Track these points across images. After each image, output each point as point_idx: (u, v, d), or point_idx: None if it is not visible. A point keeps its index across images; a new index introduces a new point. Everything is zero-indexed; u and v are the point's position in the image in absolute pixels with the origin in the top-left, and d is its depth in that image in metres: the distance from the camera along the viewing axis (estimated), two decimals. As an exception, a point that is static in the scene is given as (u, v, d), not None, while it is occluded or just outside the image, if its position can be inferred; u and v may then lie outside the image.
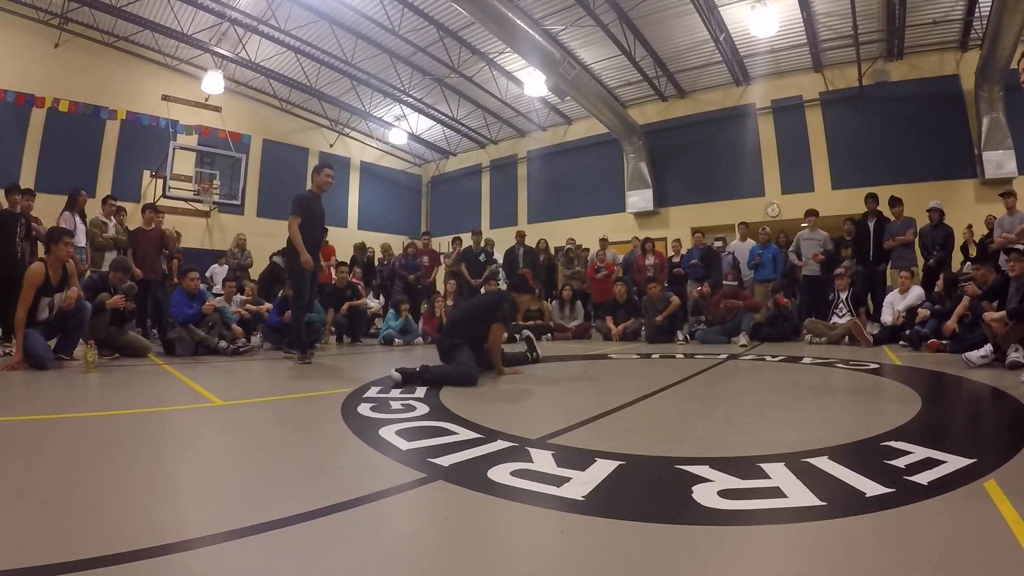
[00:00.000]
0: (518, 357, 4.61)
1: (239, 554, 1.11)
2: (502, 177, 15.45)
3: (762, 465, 1.67)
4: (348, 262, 8.39)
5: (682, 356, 5.42)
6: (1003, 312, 4.05)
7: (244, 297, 6.81)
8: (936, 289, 6.21)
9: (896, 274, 6.92)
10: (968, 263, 7.06)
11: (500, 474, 1.61)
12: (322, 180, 4.96)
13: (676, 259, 9.10)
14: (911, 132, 9.90)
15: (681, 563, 1.09)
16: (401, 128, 14.62)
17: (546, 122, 14.19)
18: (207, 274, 8.69)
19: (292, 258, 4.81)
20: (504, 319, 3.97)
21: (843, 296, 6.83)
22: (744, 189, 11.48)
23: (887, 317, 6.46)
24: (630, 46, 10.16)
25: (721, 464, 1.67)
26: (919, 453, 1.78)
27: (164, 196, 10.94)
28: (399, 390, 3.17)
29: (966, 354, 4.17)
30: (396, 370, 3.35)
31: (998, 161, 8.88)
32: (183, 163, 11.55)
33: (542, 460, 1.75)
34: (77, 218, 6.18)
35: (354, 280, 7.80)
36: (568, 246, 9.87)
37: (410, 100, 12.99)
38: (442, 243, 12.11)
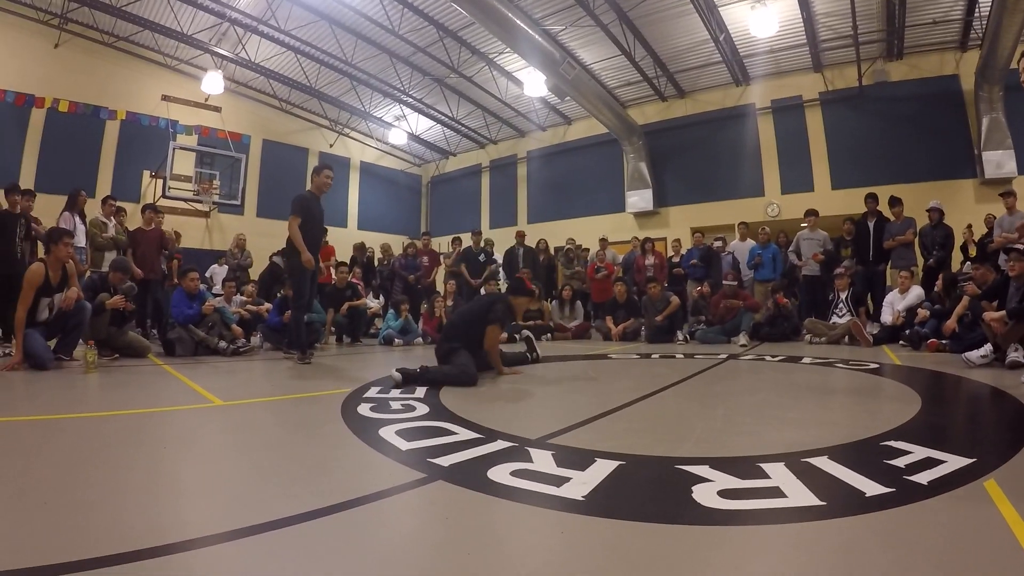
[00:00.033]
0: (518, 357, 4.61)
1: (239, 554, 1.11)
2: (502, 177, 15.44)
3: (762, 465, 1.67)
4: (348, 262, 8.38)
5: (682, 356, 5.42)
6: (1003, 312, 4.05)
7: (244, 298, 6.81)
8: (936, 289, 6.21)
9: (896, 274, 6.92)
10: (968, 263, 7.07)
11: (500, 474, 1.61)
12: (322, 181, 4.97)
13: (676, 259, 9.09)
14: (911, 132, 9.90)
15: (681, 563, 1.09)
16: (401, 128, 14.61)
17: (546, 122, 14.18)
18: (207, 274, 8.70)
19: (292, 258, 4.82)
20: (498, 320, 3.97)
21: (843, 296, 6.83)
22: (744, 189, 11.47)
23: (887, 317, 6.46)
24: (630, 46, 10.16)
25: (721, 464, 1.67)
26: (919, 453, 1.78)
27: (164, 196, 10.93)
28: (399, 390, 3.17)
29: (966, 354, 4.17)
30: (396, 370, 3.35)
31: (998, 161, 8.88)
32: (183, 163, 11.55)
33: (542, 460, 1.75)
34: (77, 218, 6.18)
35: (354, 280, 7.79)
36: (568, 246, 9.87)
37: (410, 100, 12.99)
38: (442, 243, 12.12)
